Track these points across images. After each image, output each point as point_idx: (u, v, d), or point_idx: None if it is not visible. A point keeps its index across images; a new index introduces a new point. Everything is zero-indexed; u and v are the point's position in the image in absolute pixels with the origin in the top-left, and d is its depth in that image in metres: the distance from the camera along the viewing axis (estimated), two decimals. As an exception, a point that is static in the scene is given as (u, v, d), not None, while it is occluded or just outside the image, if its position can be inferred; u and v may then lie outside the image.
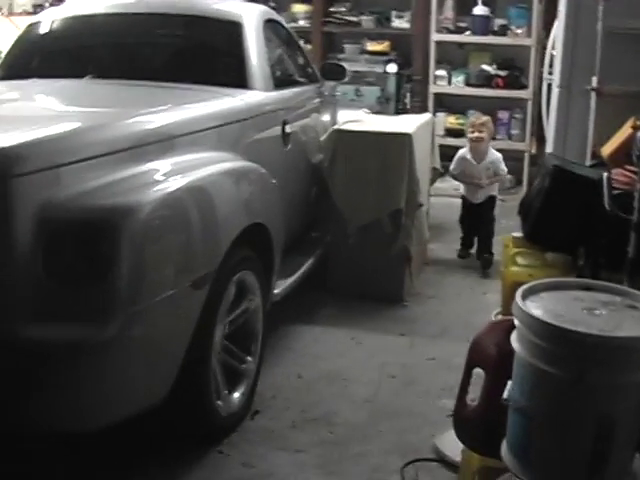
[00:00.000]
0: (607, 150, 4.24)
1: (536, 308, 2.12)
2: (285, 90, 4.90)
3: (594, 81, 5.01)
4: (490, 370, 2.72)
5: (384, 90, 8.56)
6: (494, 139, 8.66)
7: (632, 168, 3.62)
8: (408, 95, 8.80)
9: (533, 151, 8.57)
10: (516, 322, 2.13)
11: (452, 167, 6.21)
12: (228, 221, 3.48)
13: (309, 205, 5.24)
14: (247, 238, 3.62)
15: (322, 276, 5.33)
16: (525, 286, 2.21)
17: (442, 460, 3.53)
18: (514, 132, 8.63)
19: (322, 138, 5.33)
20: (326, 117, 5.79)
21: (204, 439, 3.59)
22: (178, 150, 3.48)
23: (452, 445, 3.52)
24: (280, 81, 4.89)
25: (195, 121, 3.74)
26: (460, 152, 6.20)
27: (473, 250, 6.30)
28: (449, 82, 8.63)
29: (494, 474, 2.69)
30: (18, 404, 2.80)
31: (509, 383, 2.21)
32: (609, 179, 3.63)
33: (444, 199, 7.44)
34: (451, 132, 8.53)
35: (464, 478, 2.95)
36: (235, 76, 4.48)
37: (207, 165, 3.50)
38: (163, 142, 3.41)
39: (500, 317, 3.82)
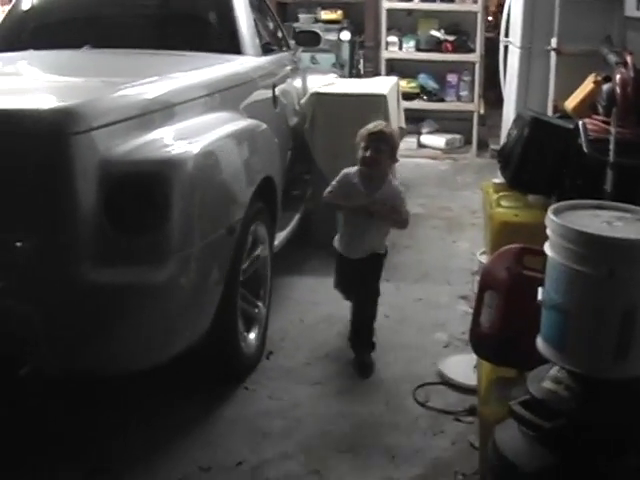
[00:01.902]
0: (571, 104, 4.62)
1: (566, 222, 2.50)
2: (270, 56, 5.21)
3: (554, 42, 5.40)
4: (502, 291, 3.10)
5: (338, 57, 8.89)
6: (442, 101, 9.17)
7: (599, 117, 4.04)
8: (361, 61, 9.16)
9: (481, 111, 9.01)
10: (550, 233, 2.50)
11: (328, 190, 4.14)
12: (250, 173, 3.82)
13: (292, 164, 5.55)
14: (259, 191, 3.94)
15: (306, 232, 5.65)
16: (552, 207, 2.58)
17: (447, 383, 3.94)
18: (463, 94, 9.06)
19: (302, 101, 5.65)
20: (299, 82, 6.10)
21: (231, 377, 3.93)
22: (199, 111, 3.79)
23: (455, 369, 3.97)
24: (264, 48, 5.19)
25: (211, 84, 4.04)
26: (345, 171, 4.14)
27: None
28: (400, 48, 9.00)
29: (509, 383, 3.08)
30: (86, 345, 3.07)
31: (540, 289, 2.58)
32: (585, 126, 4.02)
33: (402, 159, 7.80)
34: (403, 95, 8.85)
35: (482, 390, 3.32)
36: (228, 43, 4.78)
37: (227, 123, 3.82)
38: (188, 103, 3.71)
39: (485, 255, 4.22)
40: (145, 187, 3.08)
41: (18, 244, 3.00)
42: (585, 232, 2.38)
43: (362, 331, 4.17)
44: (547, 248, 2.51)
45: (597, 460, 2.43)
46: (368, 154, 3.99)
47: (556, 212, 2.54)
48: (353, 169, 4.10)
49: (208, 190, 3.34)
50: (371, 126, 4.09)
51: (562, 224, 2.44)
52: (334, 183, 4.13)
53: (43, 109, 3.02)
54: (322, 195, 4.18)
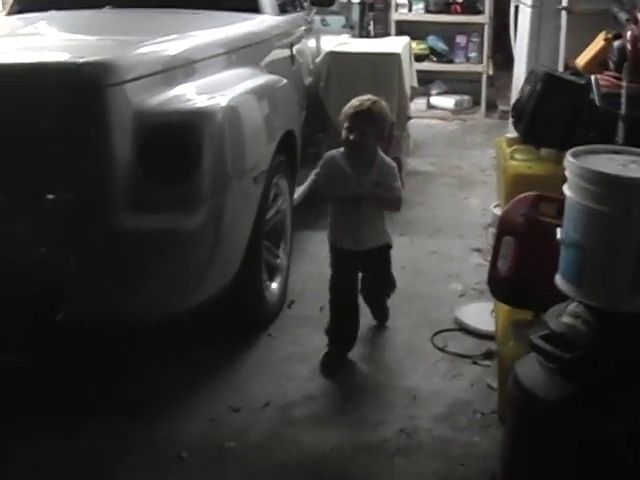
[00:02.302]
0: (582, 61, 4.73)
1: (584, 164, 2.62)
2: (286, 16, 5.31)
3: (564, 1, 5.48)
4: (519, 236, 3.24)
5: (348, 19, 8.94)
6: (451, 62, 9.25)
7: (610, 73, 4.16)
8: (371, 23, 9.23)
9: (490, 73, 9.08)
10: (568, 175, 2.63)
11: (315, 178, 3.89)
12: (273, 126, 3.95)
13: (308, 122, 5.66)
14: (281, 145, 4.06)
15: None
16: (570, 151, 2.71)
17: (464, 329, 4.08)
18: (472, 55, 9.13)
19: (317, 60, 5.76)
20: (313, 42, 6.20)
21: (255, 325, 4.07)
22: (221, 67, 3.91)
23: (471, 316, 4.10)
24: (280, 7, 5.29)
25: (231, 41, 4.16)
26: (329, 154, 3.75)
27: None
28: (409, 9, 9.07)
29: (526, 325, 3.22)
30: (118, 291, 3.21)
31: (558, 230, 2.71)
32: (597, 81, 4.13)
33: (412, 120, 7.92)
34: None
35: (500, 332, 3.46)
36: (247, 2, 4.88)
37: (249, 79, 3.94)
38: (210, 59, 3.83)
39: (498, 208, 4.35)
40: (178, 137, 3.19)
41: (55, 194, 3.11)
42: (602, 172, 2.52)
43: (382, 304, 4.13)
44: (566, 189, 2.64)
45: (613, 389, 2.57)
46: (352, 137, 3.55)
47: (574, 155, 2.67)
48: (338, 151, 3.66)
49: (236, 141, 3.46)
50: (356, 103, 3.59)
51: (581, 165, 2.57)
52: (319, 170, 3.73)
53: (79, 62, 3.12)
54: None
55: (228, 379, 3.65)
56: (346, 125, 3.57)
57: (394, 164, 3.75)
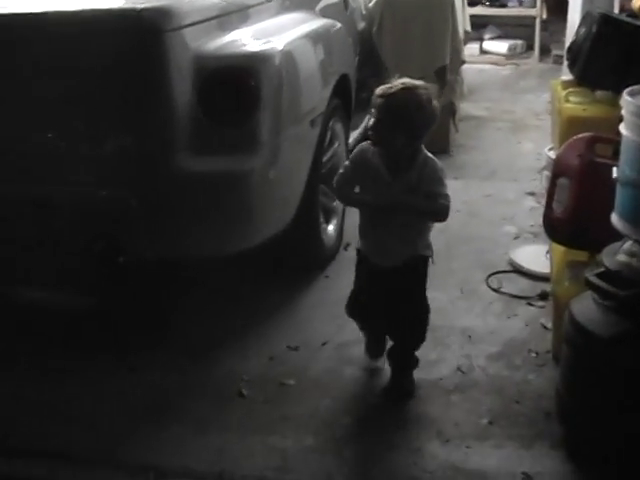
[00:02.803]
0: (638, 3, 4.70)
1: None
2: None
3: (621, -60, 5.42)
4: (575, 178, 3.26)
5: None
6: (504, 7, 9.15)
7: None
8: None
9: (544, 17, 8.98)
10: (625, 114, 2.64)
11: (340, 171, 3.11)
12: (329, 70, 3.98)
13: (360, 67, 5.66)
14: (337, 88, 4.09)
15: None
16: (627, 90, 2.72)
17: (519, 271, 4.11)
18: (525, -1, 9.02)
19: (369, 5, 5.75)
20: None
21: (312, 267, 4.14)
22: (279, 11, 3.93)
23: (526, 258, 4.13)
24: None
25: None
26: (362, 146, 3.04)
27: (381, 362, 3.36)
28: (462, -48, 8.93)
29: (581, 266, 3.24)
30: (180, 231, 3.28)
31: (614, 169, 2.73)
32: (654, 21, 4.10)
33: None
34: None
35: (555, 272, 3.49)
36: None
37: (306, 22, 3.96)
38: (269, 3, 3.87)
39: (553, 151, 4.35)
40: (237, 80, 3.24)
41: (116, 137, 3.18)
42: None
43: (407, 354, 3.23)
44: (622, 128, 2.66)
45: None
46: (371, 132, 2.91)
47: (631, 94, 2.68)
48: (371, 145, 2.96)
49: (293, 84, 3.50)
50: (386, 86, 2.87)
51: (638, 104, 2.58)
52: (347, 163, 3.08)
53: (139, 8, 3.16)
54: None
55: (287, 319, 3.73)
56: (374, 113, 2.88)
57: (440, 166, 2.96)
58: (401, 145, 2.85)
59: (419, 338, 3.16)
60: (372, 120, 2.88)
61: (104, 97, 3.18)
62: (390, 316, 3.13)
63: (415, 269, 3.07)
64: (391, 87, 2.83)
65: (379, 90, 2.85)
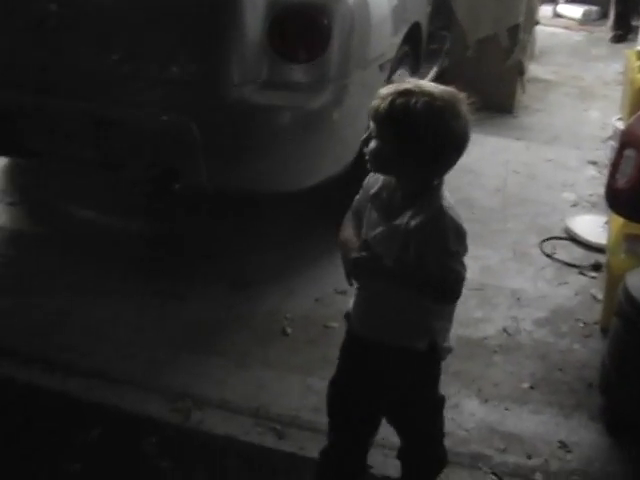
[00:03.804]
0: None
1: None
2: None
3: None
4: (642, 149, 3.17)
5: None
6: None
7: None
8: None
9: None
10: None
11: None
12: (402, 16, 3.90)
13: (431, 18, 5.57)
14: (408, 35, 4.02)
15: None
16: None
17: (574, 239, 4.05)
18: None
19: (447, -45, 5.63)
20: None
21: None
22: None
23: (582, 227, 4.06)
24: None
25: None
26: (370, 177, 2.10)
27: None
28: None
29: (638, 240, 3.18)
30: (241, 163, 3.26)
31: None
32: None
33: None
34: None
35: (611, 243, 3.44)
36: None
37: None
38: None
39: (620, 122, 4.26)
40: (310, 17, 3.19)
41: (185, 65, 3.16)
42: None
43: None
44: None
45: None
46: (372, 149, 1.96)
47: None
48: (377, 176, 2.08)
49: (365, 26, 3.43)
50: (383, 92, 1.93)
51: None
52: (357, 196, 2.17)
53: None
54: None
55: (335, 263, 3.68)
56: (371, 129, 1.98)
57: (459, 223, 1.95)
58: (409, 177, 1.96)
59: (437, 432, 2.30)
60: (370, 142, 1.96)
61: (175, 22, 3.15)
62: (374, 418, 2.26)
63: (416, 364, 2.11)
64: (386, 96, 1.90)
65: (377, 98, 1.92)
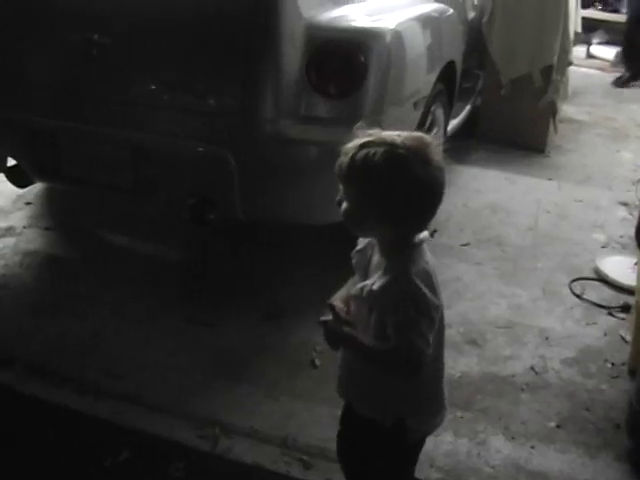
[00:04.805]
0: None
1: None
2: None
3: None
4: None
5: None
6: (616, 12, 8.96)
7: None
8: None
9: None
10: None
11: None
12: (438, 54, 3.96)
13: (466, 57, 5.61)
14: (442, 73, 4.07)
15: (474, 125, 5.76)
16: None
17: (603, 280, 4.05)
18: None
19: (482, -6, 5.69)
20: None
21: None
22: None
23: (612, 268, 4.06)
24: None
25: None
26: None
27: None
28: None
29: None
30: (275, 195, 3.32)
31: None
32: None
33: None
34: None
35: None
36: None
37: (418, 4, 3.94)
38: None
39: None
40: (347, 53, 3.23)
41: (223, 97, 3.21)
42: None
43: None
44: None
45: None
46: (343, 210, 1.88)
47: None
48: None
49: (401, 63, 3.48)
50: (347, 147, 1.84)
51: None
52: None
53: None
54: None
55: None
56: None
57: (421, 289, 1.79)
58: (384, 234, 1.89)
59: None
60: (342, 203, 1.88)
61: (215, 54, 3.20)
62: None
63: (380, 439, 2.03)
64: (348, 150, 1.82)
65: (344, 149, 1.84)
